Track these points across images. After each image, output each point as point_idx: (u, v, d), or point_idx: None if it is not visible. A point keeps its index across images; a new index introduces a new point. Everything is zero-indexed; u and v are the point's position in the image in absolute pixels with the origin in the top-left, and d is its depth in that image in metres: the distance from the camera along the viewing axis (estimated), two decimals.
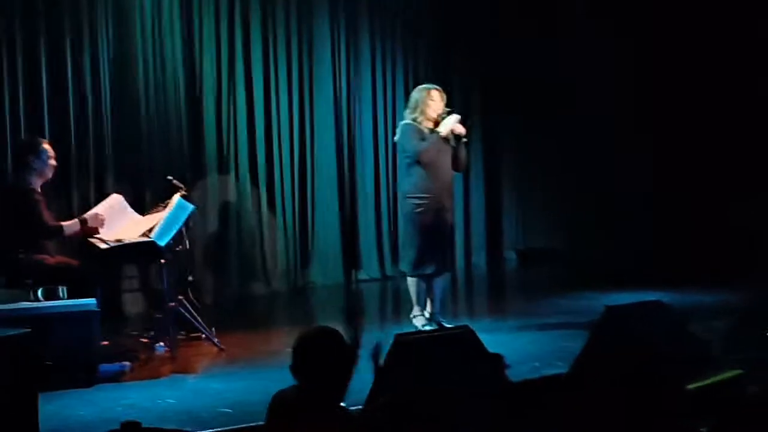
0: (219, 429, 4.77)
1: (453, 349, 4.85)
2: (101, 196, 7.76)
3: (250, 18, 8.89)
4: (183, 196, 6.78)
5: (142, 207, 7.46)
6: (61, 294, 6.50)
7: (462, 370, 4.68)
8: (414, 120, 6.77)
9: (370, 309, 8.74)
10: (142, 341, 6.64)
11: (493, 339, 6.53)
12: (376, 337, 3.83)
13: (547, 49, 10.34)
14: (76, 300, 6.04)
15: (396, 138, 6.96)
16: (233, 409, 5.16)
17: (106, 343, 6.28)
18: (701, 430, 4.22)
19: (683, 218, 9.49)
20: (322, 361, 3.42)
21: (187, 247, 6.88)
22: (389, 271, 9.74)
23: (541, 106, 10.41)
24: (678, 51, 9.41)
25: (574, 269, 9.32)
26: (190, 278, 7.24)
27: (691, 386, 4.52)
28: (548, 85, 10.51)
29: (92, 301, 5.94)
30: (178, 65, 8.42)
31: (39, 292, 6.20)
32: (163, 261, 6.35)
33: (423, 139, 6.70)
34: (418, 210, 6.66)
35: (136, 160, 8.16)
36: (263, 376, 5.78)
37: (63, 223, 6.29)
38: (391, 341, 4.24)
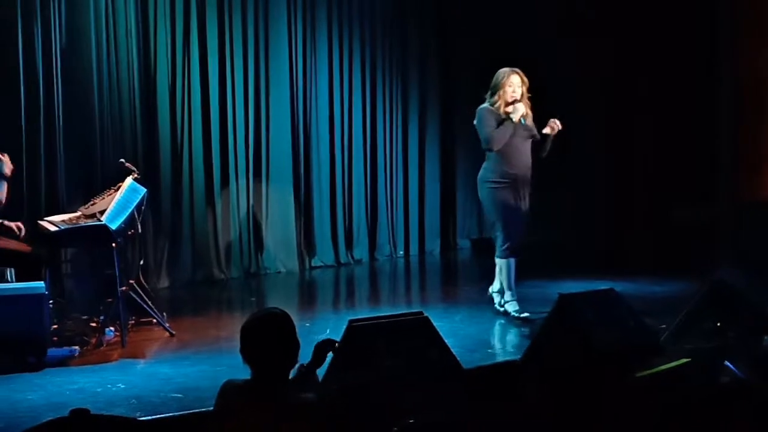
0: (169, 414, 4.74)
1: (408, 335, 4.86)
2: (51, 183, 7.68)
3: (206, 3, 8.77)
4: (135, 179, 6.71)
5: (94, 192, 7.36)
6: (9, 277, 6.42)
7: (416, 356, 4.69)
8: (492, 104, 6.83)
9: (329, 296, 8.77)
10: (91, 326, 6.56)
11: (447, 326, 6.60)
12: None
13: (512, 35, 10.29)
14: (24, 283, 5.95)
15: (475, 122, 6.98)
16: (183, 394, 5.13)
17: (54, 327, 6.21)
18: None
19: (640, 211, 9.57)
20: (268, 342, 3.39)
21: (139, 231, 6.81)
22: (343, 257, 9.72)
23: None
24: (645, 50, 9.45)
25: (528, 259, 9.36)
26: (142, 262, 7.16)
27: (640, 374, 4.57)
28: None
29: (41, 284, 5.87)
30: (132, 50, 8.26)
31: None
32: (114, 245, 6.26)
33: (498, 125, 6.76)
34: (494, 195, 6.81)
35: (89, 145, 8.01)
36: (214, 361, 5.76)
37: None
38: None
